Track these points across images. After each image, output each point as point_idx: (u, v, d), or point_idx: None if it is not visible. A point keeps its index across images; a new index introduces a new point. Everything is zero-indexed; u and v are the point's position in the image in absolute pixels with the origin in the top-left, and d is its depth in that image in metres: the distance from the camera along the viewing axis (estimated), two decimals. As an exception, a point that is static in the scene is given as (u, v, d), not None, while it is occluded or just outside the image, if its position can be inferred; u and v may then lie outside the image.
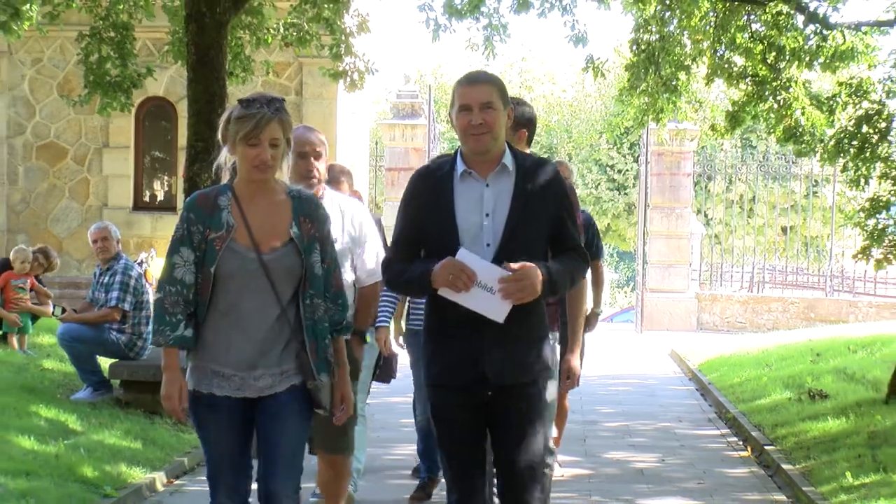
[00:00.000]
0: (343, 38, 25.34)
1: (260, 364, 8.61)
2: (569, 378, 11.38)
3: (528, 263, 8.52)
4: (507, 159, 8.99)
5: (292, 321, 8.64)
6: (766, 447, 18.87)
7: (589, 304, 14.18)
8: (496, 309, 8.02)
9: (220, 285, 8.43)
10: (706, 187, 41.38)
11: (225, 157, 9.08)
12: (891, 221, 24.99)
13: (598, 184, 58.70)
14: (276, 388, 8.66)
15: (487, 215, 8.75)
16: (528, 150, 11.11)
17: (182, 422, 12.18)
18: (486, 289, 8.45)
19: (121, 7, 20.96)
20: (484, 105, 8.72)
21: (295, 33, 21.49)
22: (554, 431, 12.54)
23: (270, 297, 8.46)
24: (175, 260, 8.24)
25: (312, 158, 10.92)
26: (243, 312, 8.49)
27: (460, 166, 8.92)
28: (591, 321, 15.25)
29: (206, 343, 8.44)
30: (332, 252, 9.11)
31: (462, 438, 8.62)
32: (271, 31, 24.73)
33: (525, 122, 11.31)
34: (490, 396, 8.49)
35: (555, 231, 8.97)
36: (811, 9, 24.17)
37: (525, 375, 8.55)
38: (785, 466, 17.28)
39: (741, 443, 20.26)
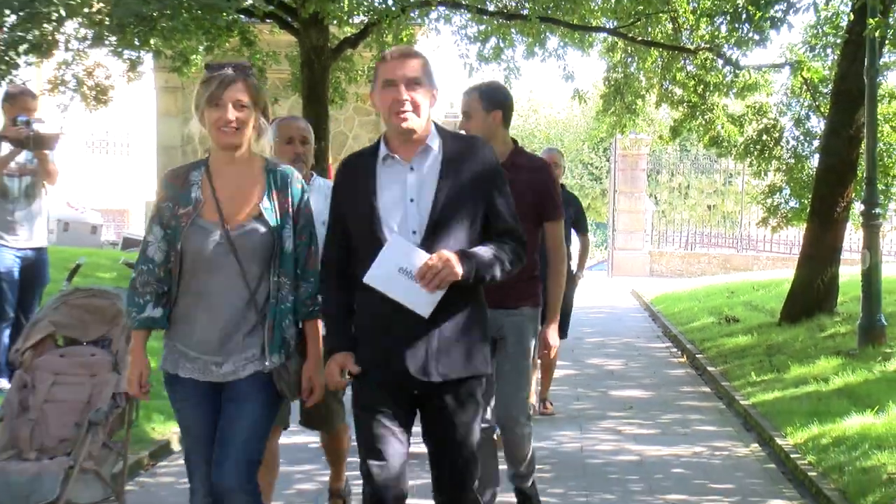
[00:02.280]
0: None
1: (223, 348, 6.25)
2: (546, 349, 8.62)
3: (445, 253, 6.08)
4: (433, 140, 6.48)
5: (261, 303, 6.26)
6: (696, 356, 18.94)
7: (574, 268, 13.28)
8: (422, 302, 5.85)
9: (186, 263, 6.19)
10: (656, 178, 41.46)
11: (199, 130, 6.57)
12: (782, 200, 25.74)
13: (582, 176, 58.87)
14: (238, 374, 6.28)
15: (412, 201, 6.34)
16: (506, 133, 8.33)
17: (146, 401, 8.67)
18: (412, 279, 6.14)
19: (257, 56, 21.08)
20: (411, 81, 6.24)
21: (372, 74, 21.36)
22: (534, 387, 11.12)
23: (237, 277, 6.15)
24: (148, 238, 6.14)
25: (299, 143, 8.48)
26: (209, 292, 6.18)
27: (383, 150, 6.50)
28: (574, 281, 13.22)
29: (175, 322, 6.27)
30: (307, 227, 6.58)
31: (382, 435, 6.13)
32: (359, 72, 24.53)
33: (499, 103, 8.23)
34: (417, 394, 6.25)
35: (487, 214, 6.45)
36: (727, 55, 24.28)
37: (452, 374, 6.17)
38: (710, 369, 17.42)
39: (679, 353, 20.32)
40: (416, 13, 23.18)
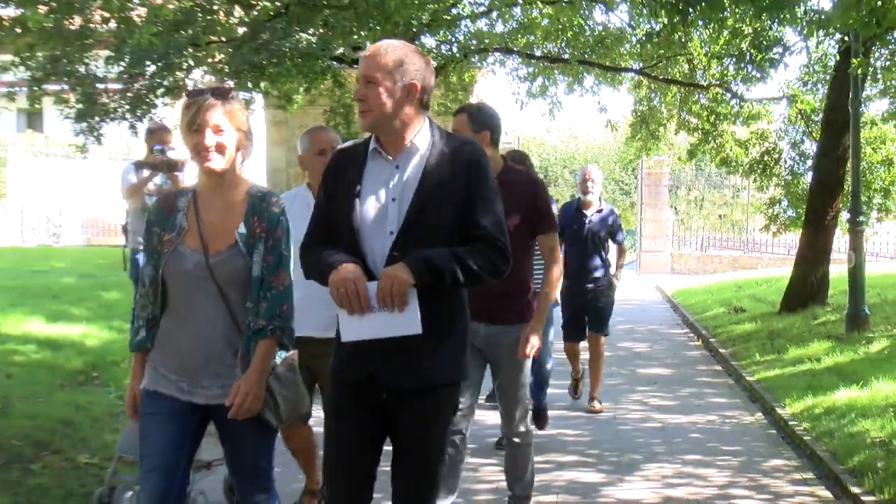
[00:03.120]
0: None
1: (204, 372, 5.32)
2: (526, 347, 7.19)
3: (386, 271, 4.98)
4: (420, 138, 5.35)
5: (244, 328, 5.30)
6: (709, 340, 18.77)
7: (613, 270, 12.30)
8: (405, 323, 4.80)
9: (168, 288, 5.32)
10: (676, 192, 41.17)
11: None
12: (781, 210, 25.82)
13: (614, 191, 58.57)
14: (224, 399, 5.27)
15: (393, 200, 5.31)
16: (495, 152, 7.32)
17: None
18: (380, 310, 5.02)
19: (347, 96, 21.03)
20: (365, 79, 5.12)
21: (443, 108, 20.97)
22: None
23: (219, 303, 5.25)
24: (143, 263, 5.33)
25: (331, 153, 6.74)
26: (190, 317, 5.28)
27: (372, 144, 5.43)
28: (613, 284, 12.18)
29: (158, 345, 5.35)
30: (275, 249, 5.44)
31: (349, 440, 5.15)
32: (433, 107, 23.97)
33: (486, 125, 7.23)
34: (385, 400, 5.13)
35: (466, 218, 5.26)
36: (734, 90, 24.23)
37: (420, 382, 5.12)
38: (721, 350, 17.31)
39: (695, 337, 20.11)
40: (476, 58, 23.24)
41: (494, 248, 4.97)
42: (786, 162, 26.63)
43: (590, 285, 11.42)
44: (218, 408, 5.13)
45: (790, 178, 26.03)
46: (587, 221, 11.71)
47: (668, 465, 9.81)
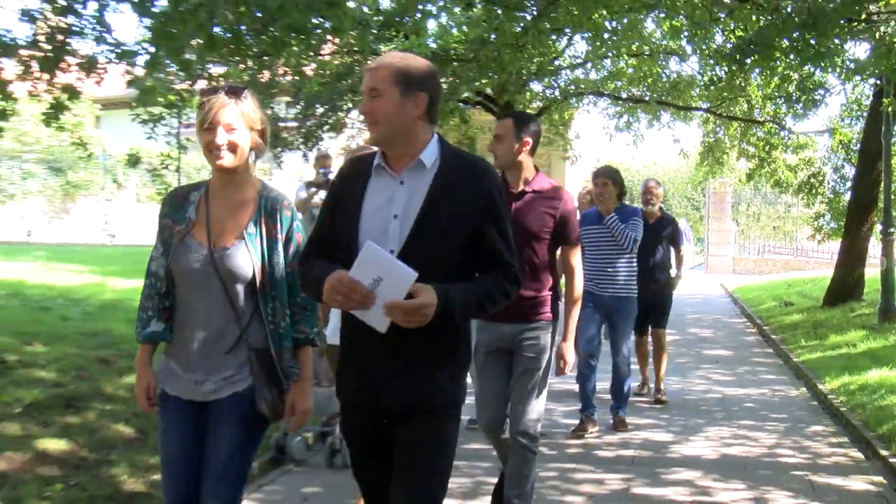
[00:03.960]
0: (569, 141, 25.45)
1: (202, 367, 4.48)
2: (561, 363, 6.28)
3: (426, 292, 3.86)
4: (427, 154, 4.26)
5: (246, 325, 4.38)
6: (763, 328, 18.46)
7: (674, 271, 11.28)
8: (378, 318, 3.85)
9: (177, 281, 4.52)
10: (737, 208, 40.61)
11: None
12: (824, 223, 25.61)
13: (686, 207, 58.02)
14: (220, 394, 4.49)
15: (395, 217, 4.23)
16: (531, 161, 6.12)
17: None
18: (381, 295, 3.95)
19: (471, 130, 21.24)
20: (370, 91, 4.17)
21: (546, 140, 21.12)
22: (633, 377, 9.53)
23: (222, 297, 4.42)
24: (153, 254, 4.51)
25: None
26: (195, 310, 4.46)
27: (377, 159, 4.38)
28: (674, 282, 11.14)
29: (171, 339, 4.55)
30: (298, 254, 4.58)
31: (363, 461, 4.27)
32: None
33: (530, 133, 6.07)
34: (386, 423, 4.13)
35: (479, 245, 4.17)
36: (785, 125, 23.96)
37: (414, 405, 4.08)
38: (772, 336, 17.03)
39: (751, 326, 19.76)
40: (574, 100, 23.38)
41: (509, 276, 4.00)
42: (828, 183, 26.40)
43: (653, 286, 10.38)
44: (210, 403, 4.27)
45: (832, 196, 25.85)
46: (648, 230, 10.49)
47: (726, 429, 9.70)
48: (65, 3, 9.72)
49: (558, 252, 6.17)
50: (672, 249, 10.83)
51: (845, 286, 19.70)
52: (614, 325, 9.31)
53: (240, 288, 4.23)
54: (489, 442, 6.46)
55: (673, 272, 11.06)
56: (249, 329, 4.25)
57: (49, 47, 9.82)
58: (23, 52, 10.04)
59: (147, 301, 4.37)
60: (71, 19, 9.87)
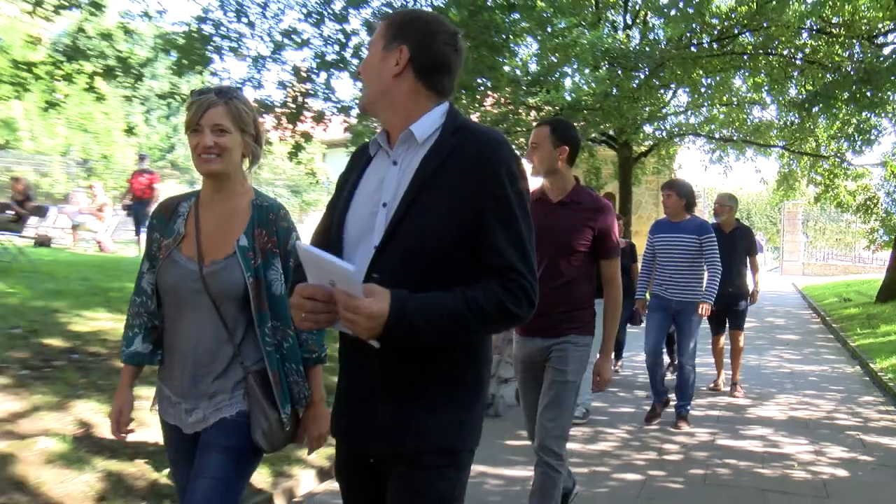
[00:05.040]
0: (673, 171, 25.08)
1: (193, 393, 3.08)
2: (600, 380, 4.69)
3: (376, 295, 2.08)
4: (420, 126, 2.34)
5: (239, 345, 3.04)
6: (826, 318, 17.67)
7: (751, 286, 9.38)
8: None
9: (164, 299, 3.15)
10: (807, 223, 39.11)
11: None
12: (878, 236, 24.66)
13: (765, 223, 56.03)
14: (207, 422, 3.07)
15: (384, 205, 2.34)
16: (570, 170, 4.56)
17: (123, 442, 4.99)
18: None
19: (596, 162, 21.23)
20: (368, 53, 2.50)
21: (655, 170, 21.03)
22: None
23: (212, 316, 3.03)
24: (141, 269, 3.22)
25: None
26: (184, 330, 3.08)
27: (380, 136, 2.48)
28: (754, 296, 9.40)
29: (162, 362, 3.21)
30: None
31: (349, 499, 2.58)
32: (647, 169, 23.73)
33: (568, 140, 4.50)
34: (374, 463, 2.43)
35: (477, 240, 2.25)
36: (846, 158, 23.02)
37: (397, 452, 2.32)
38: (833, 325, 16.26)
39: (816, 316, 18.93)
40: (677, 139, 22.89)
41: (511, 286, 2.25)
42: (882, 205, 25.10)
43: (730, 289, 8.95)
44: (198, 433, 3.01)
45: (885, 215, 24.63)
46: (724, 239, 9.01)
47: (793, 397, 9.36)
48: (305, 75, 10.45)
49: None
50: (748, 257, 9.50)
51: (895, 286, 18.72)
52: (680, 326, 7.79)
53: (232, 306, 2.96)
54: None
55: (750, 283, 9.36)
56: (244, 350, 2.99)
57: (294, 106, 10.62)
58: (277, 110, 10.99)
59: (134, 319, 3.12)
60: (308, 86, 10.55)
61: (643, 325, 8.53)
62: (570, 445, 6.72)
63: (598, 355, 4.64)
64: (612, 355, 4.62)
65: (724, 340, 9.67)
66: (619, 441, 7.12)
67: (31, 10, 10.55)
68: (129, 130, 18.44)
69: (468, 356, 2.35)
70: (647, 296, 8.18)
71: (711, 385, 9.73)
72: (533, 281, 2.26)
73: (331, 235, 2.41)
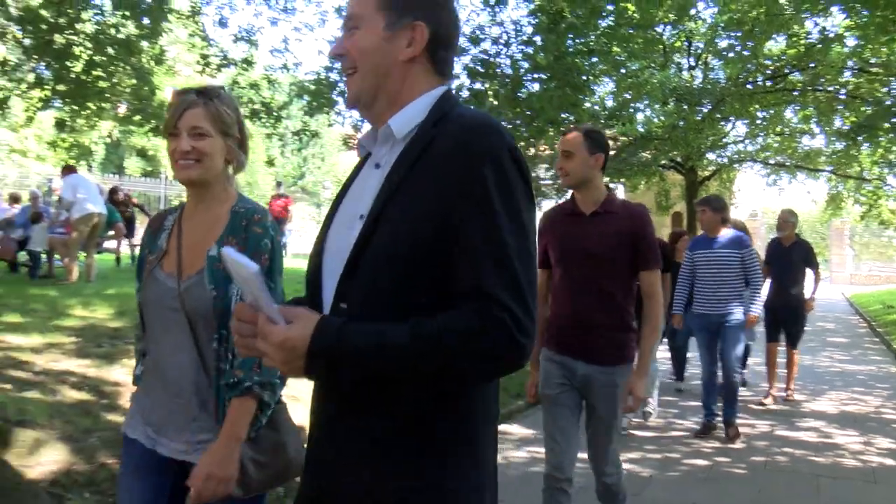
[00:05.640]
0: (733, 193, 24.49)
1: (169, 422, 2.16)
2: (632, 401, 3.43)
3: (297, 319, 1.31)
4: (400, 119, 1.46)
5: (213, 373, 2.11)
6: (871, 322, 16.97)
7: (808, 293, 8.33)
8: None
9: (146, 319, 2.24)
10: (852, 238, 37.54)
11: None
12: None
13: (814, 238, 53.93)
14: (190, 457, 2.12)
15: (361, 217, 1.43)
16: (602, 179, 3.54)
17: None
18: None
19: (666, 186, 20.98)
20: (347, 23, 1.53)
21: (718, 192, 20.65)
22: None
23: (188, 338, 2.11)
24: (136, 287, 2.30)
25: None
26: (162, 354, 2.17)
27: (367, 135, 1.57)
28: (810, 303, 8.34)
29: (139, 386, 2.31)
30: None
31: None
32: (711, 191, 23.12)
33: (602, 148, 3.47)
34: None
35: (451, 254, 1.33)
36: (887, 182, 22.11)
37: (331, 497, 1.42)
38: (878, 329, 15.60)
39: (863, 322, 18.17)
40: (737, 165, 22.48)
41: (493, 322, 1.34)
42: (923, 222, 23.94)
43: (786, 296, 8.15)
44: (182, 464, 2.19)
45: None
46: (784, 252, 8.39)
47: (843, 393, 8.98)
48: None
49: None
50: (807, 269, 8.49)
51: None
52: (724, 336, 6.62)
53: (205, 326, 2.17)
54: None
55: (807, 292, 8.42)
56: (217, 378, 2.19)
57: None
58: None
59: (137, 342, 2.43)
60: None
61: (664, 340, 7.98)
62: (644, 432, 6.74)
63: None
64: (647, 373, 3.50)
65: (779, 350, 8.45)
66: (687, 431, 6.91)
67: (201, 70, 11.49)
68: (270, 162, 19.07)
69: (437, 403, 1.43)
70: (670, 317, 7.11)
71: (763, 399, 8.23)
72: (522, 313, 1.36)
73: (312, 261, 1.60)
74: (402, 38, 1.51)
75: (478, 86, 10.56)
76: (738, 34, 15.23)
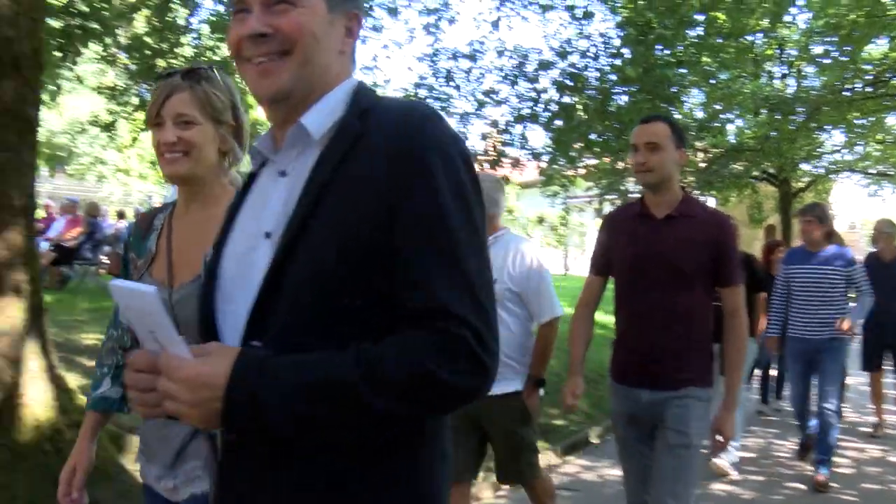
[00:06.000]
0: (830, 204, 23.67)
1: (159, 453, 1.85)
2: (718, 440, 2.96)
3: (210, 356, 1.04)
4: (316, 116, 1.16)
5: None
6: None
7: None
8: None
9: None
10: None
11: None
12: None
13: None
14: (180, 495, 1.83)
15: (267, 236, 1.14)
16: (679, 177, 2.99)
17: None
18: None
19: (758, 198, 20.29)
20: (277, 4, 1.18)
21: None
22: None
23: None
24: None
25: None
26: None
27: (263, 140, 1.26)
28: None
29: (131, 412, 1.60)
30: None
31: None
32: (805, 201, 22.51)
33: (685, 143, 3.01)
34: None
35: (395, 266, 1.06)
36: None
37: None
38: None
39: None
40: (833, 175, 21.84)
41: (449, 340, 1.08)
42: None
43: (891, 318, 6.90)
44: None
45: None
46: (884, 268, 7.11)
47: None
48: (503, 127, 10.96)
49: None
50: None
51: None
52: (822, 368, 5.73)
53: (195, 340, 1.38)
54: None
55: None
56: None
57: (494, 154, 11.07)
58: (480, 157, 11.32)
59: (107, 357, 2.10)
60: (505, 136, 11.00)
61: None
62: (744, 454, 6.37)
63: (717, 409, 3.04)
64: (735, 409, 3.03)
65: (883, 380, 7.57)
66: (790, 453, 6.59)
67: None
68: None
69: (390, 457, 1.17)
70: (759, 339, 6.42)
71: (872, 430, 7.50)
72: (483, 328, 1.12)
73: (202, 291, 1.30)
74: (340, 25, 1.27)
75: (566, 100, 10.54)
76: (835, 38, 14.69)
